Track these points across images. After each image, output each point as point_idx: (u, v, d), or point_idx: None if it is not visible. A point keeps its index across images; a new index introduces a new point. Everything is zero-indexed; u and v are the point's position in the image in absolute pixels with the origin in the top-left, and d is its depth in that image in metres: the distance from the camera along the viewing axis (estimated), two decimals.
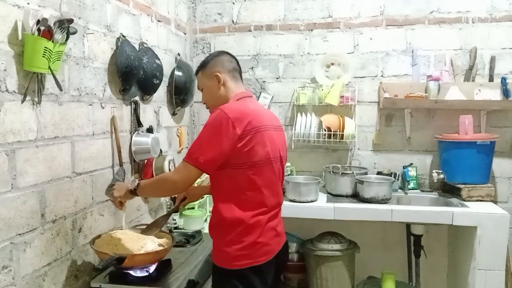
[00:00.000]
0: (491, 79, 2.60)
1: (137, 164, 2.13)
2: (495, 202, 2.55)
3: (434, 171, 2.56)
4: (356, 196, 2.52)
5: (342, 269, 2.52)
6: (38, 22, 1.33)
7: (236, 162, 1.45)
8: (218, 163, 1.45)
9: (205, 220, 2.48)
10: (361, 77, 2.78)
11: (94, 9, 1.77)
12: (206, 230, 2.26)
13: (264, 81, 2.91)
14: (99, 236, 1.73)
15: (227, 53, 1.70)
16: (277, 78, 2.90)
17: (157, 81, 2.24)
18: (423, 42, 2.69)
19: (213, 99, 1.63)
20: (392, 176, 2.60)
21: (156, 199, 2.39)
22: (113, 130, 1.91)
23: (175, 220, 2.39)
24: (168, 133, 2.58)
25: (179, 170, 1.48)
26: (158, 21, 2.43)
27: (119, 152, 1.93)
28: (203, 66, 1.66)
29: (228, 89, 1.61)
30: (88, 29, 1.73)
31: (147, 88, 2.20)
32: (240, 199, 1.48)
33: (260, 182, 1.50)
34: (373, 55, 2.76)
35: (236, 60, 1.70)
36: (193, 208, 2.46)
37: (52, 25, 1.39)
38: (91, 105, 1.76)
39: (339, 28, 2.79)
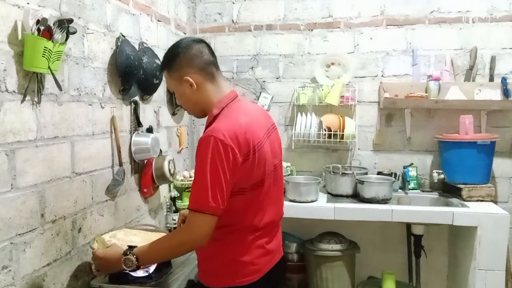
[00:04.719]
0: (491, 79, 2.60)
1: (137, 164, 2.13)
2: (495, 202, 2.55)
3: (434, 171, 2.56)
4: (356, 196, 2.52)
5: (342, 269, 2.52)
6: (38, 22, 1.33)
7: (232, 189, 1.27)
8: (228, 196, 1.26)
9: None
10: (361, 77, 2.78)
11: (94, 9, 1.77)
12: None
13: (264, 81, 2.91)
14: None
15: (195, 41, 1.38)
16: (277, 78, 2.90)
17: (157, 81, 2.24)
18: (424, 42, 2.69)
19: (190, 105, 1.41)
20: (393, 176, 2.60)
21: (156, 199, 2.39)
22: (113, 130, 1.90)
23: (175, 220, 2.39)
24: (168, 133, 2.58)
25: (195, 225, 1.24)
26: (158, 21, 2.43)
27: (119, 152, 1.93)
28: (167, 65, 1.38)
29: (205, 92, 1.36)
30: (87, 29, 1.73)
31: (147, 88, 2.20)
32: (229, 223, 1.32)
33: (254, 206, 1.35)
34: (373, 55, 2.76)
35: (209, 47, 1.39)
36: None
37: (51, 25, 1.38)
38: (91, 105, 1.76)
39: (339, 28, 2.79)
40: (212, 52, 1.39)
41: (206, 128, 1.35)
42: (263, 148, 1.33)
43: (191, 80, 1.33)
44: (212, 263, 1.37)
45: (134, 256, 1.31)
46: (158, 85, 2.26)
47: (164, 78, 2.28)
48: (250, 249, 1.35)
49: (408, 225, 2.65)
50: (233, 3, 2.91)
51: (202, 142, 1.24)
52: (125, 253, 1.32)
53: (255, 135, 1.31)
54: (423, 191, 2.69)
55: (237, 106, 1.38)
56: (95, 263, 1.47)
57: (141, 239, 1.77)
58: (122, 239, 1.75)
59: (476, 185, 2.44)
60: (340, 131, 2.63)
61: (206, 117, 1.42)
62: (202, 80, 1.35)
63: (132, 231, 1.83)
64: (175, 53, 1.36)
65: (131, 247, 1.35)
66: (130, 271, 1.36)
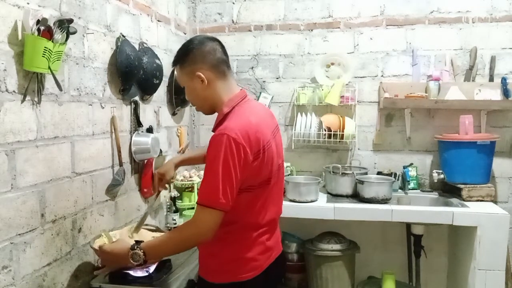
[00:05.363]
0: (491, 79, 2.60)
1: (137, 164, 2.13)
2: (495, 202, 2.55)
3: (434, 171, 2.56)
4: (356, 196, 2.52)
5: (342, 269, 2.52)
6: (38, 22, 1.33)
7: (240, 187, 1.30)
8: (237, 194, 1.28)
9: None
10: (361, 77, 2.78)
11: (94, 9, 1.77)
12: None
13: (264, 81, 2.91)
14: (99, 236, 1.73)
15: (209, 39, 1.41)
16: (277, 78, 2.90)
17: (157, 81, 2.24)
18: (423, 42, 2.69)
19: (199, 101, 1.43)
20: (392, 176, 2.60)
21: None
22: (113, 130, 1.91)
23: (175, 220, 2.39)
24: (168, 133, 2.58)
25: (202, 220, 1.26)
26: (158, 21, 2.43)
27: (119, 152, 1.93)
28: (180, 59, 1.40)
29: (216, 90, 1.38)
30: (88, 29, 1.73)
31: (147, 88, 2.20)
32: (233, 220, 1.33)
33: (259, 203, 1.38)
34: (373, 55, 2.76)
35: (222, 46, 1.41)
36: (193, 208, 2.46)
37: (52, 25, 1.39)
38: (91, 105, 1.76)
39: (339, 28, 2.79)
40: (224, 51, 1.41)
41: (216, 125, 1.38)
42: (271, 147, 1.37)
43: (202, 76, 1.35)
44: (216, 259, 1.39)
45: (142, 251, 1.32)
46: (158, 85, 2.26)
47: (164, 79, 2.32)
48: (253, 246, 1.38)
49: (408, 225, 2.66)
50: (233, 3, 2.91)
51: (215, 140, 1.26)
52: (132, 248, 1.34)
53: (265, 134, 1.34)
54: (423, 191, 2.69)
55: (247, 105, 1.40)
56: (101, 258, 1.47)
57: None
58: (121, 238, 1.75)
59: (476, 185, 2.44)
60: (340, 131, 2.63)
61: (213, 115, 1.45)
62: (213, 77, 1.37)
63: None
64: (189, 49, 1.38)
65: (138, 242, 1.36)
66: (137, 265, 1.37)
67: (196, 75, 1.36)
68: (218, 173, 1.23)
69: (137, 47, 2.11)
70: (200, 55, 1.36)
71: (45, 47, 1.34)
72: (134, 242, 1.37)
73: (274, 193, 1.45)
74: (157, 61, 2.23)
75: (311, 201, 2.44)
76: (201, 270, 1.45)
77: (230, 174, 1.23)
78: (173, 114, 2.63)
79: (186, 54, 1.38)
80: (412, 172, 2.68)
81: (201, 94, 1.39)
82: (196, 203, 1.29)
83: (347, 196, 2.55)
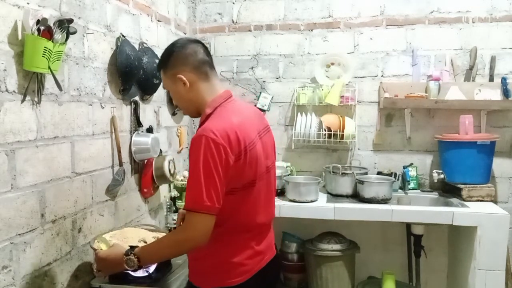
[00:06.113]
0: (491, 79, 2.60)
1: (137, 164, 2.13)
2: (495, 202, 2.54)
3: (434, 171, 2.55)
4: (356, 196, 2.52)
5: (342, 269, 2.52)
6: (38, 22, 1.34)
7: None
8: (223, 195, 1.26)
9: None
10: (361, 77, 2.78)
11: (94, 9, 1.77)
12: None
13: (264, 81, 2.91)
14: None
15: (191, 41, 1.41)
16: (277, 78, 2.90)
17: (157, 81, 2.24)
18: (423, 42, 2.69)
19: (184, 103, 1.43)
20: (392, 176, 2.59)
21: (156, 199, 2.39)
22: (113, 130, 1.91)
23: (175, 220, 2.39)
24: (168, 133, 2.58)
25: (193, 224, 1.25)
26: (158, 21, 2.43)
27: (119, 152, 1.93)
28: (163, 63, 1.40)
29: (199, 91, 1.37)
30: (88, 29, 1.73)
31: (147, 88, 2.21)
32: (217, 223, 1.28)
33: (245, 207, 1.35)
34: (373, 55, 2.76)
35: (204, 47, 1.41)
36: None
37: (52, 25, 1.39)
38: (91, 105, 1.76)
39: (339, 28, 2.79)
40: (207, 52, 1.41)
41: (199, 127, 1.36)
42: (255, 148, 1.34)
43: (184, 78, 1.35)
44: (203, 263, 1.37)
45: (136, 256, 1.32)
46: (158, 85, 2.26)
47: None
48: (240, 250, 1.36)
49: (408, 225, 2.65)
50: (233, 3, 2.91)
51: (194, 142, 1.25)
52: (126, 254, 1.33)
53: (247, 135, 1.32)
54: (423, 191, 2.69)
55: (230, 106, 1.38)
56: (97, 264, 1.47)
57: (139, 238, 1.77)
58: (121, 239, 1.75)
59: (476, 185, 2.44)
60: (340, 131, 2.63)
61: None
62: (196, 79, 1.36)
63: (130, 230, 1.83)
64: (170, 52, 1.38)
65: (132, 247, 1.36)
66: (132, 271, 1.38)
67: (177, 78, 1.35)
68: (200, 176, 1.21)
69: (137, 47, 2.11)
70: (181, 58, 1.36)
71: (45, 47, 1.34)
72: (129, 248, 1.36)
73: (262, 196, 1.41)
74: (157, 61, 2.22)
75: (311, 201, 2.44)
76: (190, 275, 1.44)
77: (212, 175, 1.21)
78: (173, 114, 2.63)
79: (168, 58, 1.38)
80: (412, 172, 2.68)
81: (185, 97, 1.39)
82: (184, 208, 1.29)
83: (347, 196, 2.55)
